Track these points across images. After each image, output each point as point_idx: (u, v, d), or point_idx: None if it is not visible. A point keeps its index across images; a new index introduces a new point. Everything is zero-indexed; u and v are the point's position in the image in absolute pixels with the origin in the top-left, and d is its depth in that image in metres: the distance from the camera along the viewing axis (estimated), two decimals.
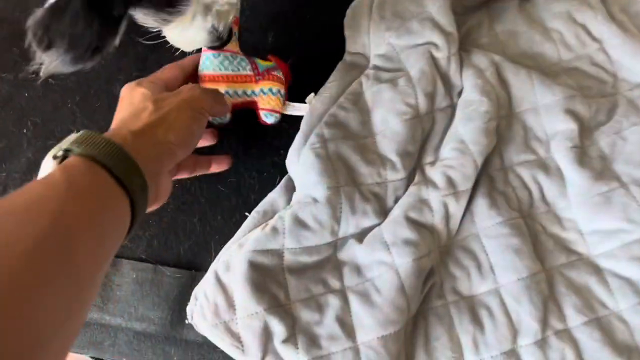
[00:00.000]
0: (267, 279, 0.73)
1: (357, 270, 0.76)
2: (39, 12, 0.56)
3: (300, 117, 0.84)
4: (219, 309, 0.72)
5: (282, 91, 0.82)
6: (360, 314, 0.72)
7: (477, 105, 0.80)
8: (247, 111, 0.84)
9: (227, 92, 0.81)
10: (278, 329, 0.71)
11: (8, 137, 0.88)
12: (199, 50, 0.79)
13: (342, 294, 0.74)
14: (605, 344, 0.70)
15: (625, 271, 0.74)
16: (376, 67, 0.86)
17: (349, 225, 0.76)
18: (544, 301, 0.72)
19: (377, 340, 0.70)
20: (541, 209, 0.79)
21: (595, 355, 0.70)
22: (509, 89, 0.84)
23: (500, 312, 0.73)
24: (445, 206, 0.76)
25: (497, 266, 0.75)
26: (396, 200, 0.79)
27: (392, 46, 0.85)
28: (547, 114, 0.82)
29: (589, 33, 0.87)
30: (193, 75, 0.81)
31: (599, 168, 0.79)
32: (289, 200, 0.80)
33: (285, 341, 0.70)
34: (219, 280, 0.74)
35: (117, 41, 0.60)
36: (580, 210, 0.77)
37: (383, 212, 0.78)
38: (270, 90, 0.81)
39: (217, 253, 0.78)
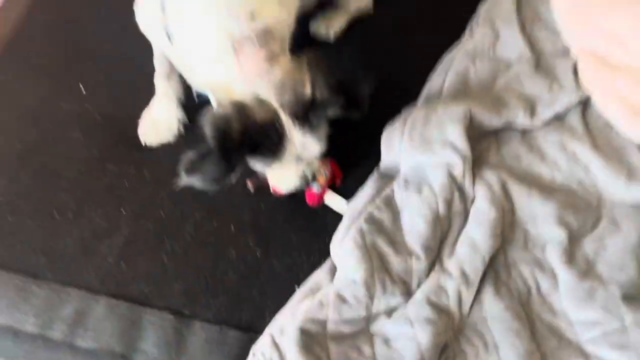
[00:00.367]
0: (314, 344, 0.92)
1: (386, 341, 0.94)
2: (190, 154, 0.86)
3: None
4: None
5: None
6: None
7: (487, 213, 1.01)
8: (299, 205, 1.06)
9: None
10: None
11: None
12: None
13: None
14: None
15: (607, 356, 0.91)
16: (405, 178, 1.08)
17: (380, 303, 0.95)
18: None
19: None
20: (537, 300, 0.97)
21: None
22: (513, 201, 1.05)
23: None
24: (459, 293, 0.95)
25: (500, 345, 0.93)
26: (419, 285, 0.98)
27: (419, 162, 1.08)
28: (543, 223, 1.02)
29: (577, 159, 1.09)
30: None
31: (585, 269, 0.97)
32: (331, 278, 1.00)
33: None
34: (274, 342, 0.93)
35: (235, 175, 0.89)
36: (569, 303, 0.95)
37: (408, 294, 0.97)
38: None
39: (271, 319, 0.97)
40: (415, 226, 1.01)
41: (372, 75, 0.93)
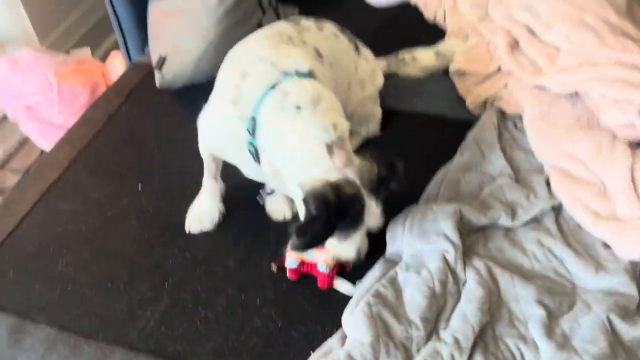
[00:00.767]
0: None
1: None
2: (299, 222, 1.11)
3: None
4: None
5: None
6: None
7: (475, 292, 1.19)
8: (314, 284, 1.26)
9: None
10: None
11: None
12: None
13: None
14: None
15: None
16: (407, 263, 1.28)
17: None
18: None
19: None
20: None
21: None
22: (498, 284, 1.23)
23: None
24: (453, 357, 1.10)
25: None
26: (418, 351, 1.13)
27: (418, 250, 1.29)
28: (524, 303, 1.20)
29: (553, 253, 1.29)
30: None
31: (562, 342, 1.13)
32: (342, 344, 1.15)
33: None
34: None
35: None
36: None
37: (409, 358, 1.12)
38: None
39: None
40: (414, 300, 1.19)
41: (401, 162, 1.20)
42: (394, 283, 1.24)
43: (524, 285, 1.22)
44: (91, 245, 1.40)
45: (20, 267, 1.36)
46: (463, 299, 1.20)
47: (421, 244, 1.29)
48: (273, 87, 1.18)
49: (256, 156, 1.23)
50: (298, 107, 1.16)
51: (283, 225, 1.40)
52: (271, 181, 1.28)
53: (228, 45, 1.37)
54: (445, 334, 1.15)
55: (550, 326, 1.15)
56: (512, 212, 1.36)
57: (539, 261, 1.29)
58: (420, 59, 1.82)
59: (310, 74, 1.23)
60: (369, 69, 1.59)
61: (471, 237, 1.34)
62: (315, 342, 1.19)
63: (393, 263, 1.30)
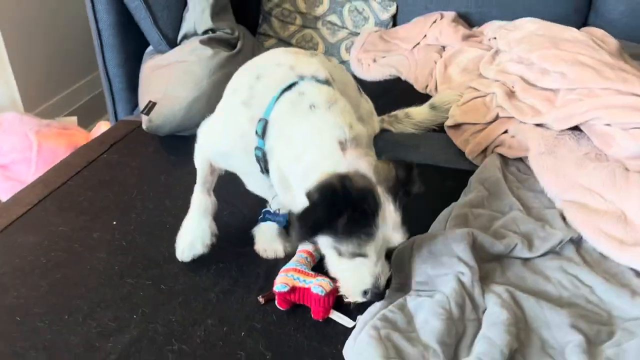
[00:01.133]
0: None
1: None
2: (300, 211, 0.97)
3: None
4: None
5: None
6: None
7: (499, 315, 1.02)
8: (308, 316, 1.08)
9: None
10: None
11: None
12: None
13: None
14: None
15: None
16: (417, 291, 1.11)
17: None
18: None
19: None
20: None
21: None
22: (523, 310, 1.06)
23: None
24: None
25: None
26: None
27: (428, 276, 1.13)
28: (557, 329, 1.02)
29: (580, 280, 1.14)
30: None
31: None
32: None
33: None
34: None
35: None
36: None
37: None
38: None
39: None
40: (429, 324, 1.01)
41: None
42: (403, 309, 1.06)
43: (554, 311, 1.05)
44: (50, 276, 1.21)
45: None
46: (486, 324, 1.02)
47: (432, 268, 1.13)
48: (289, 87, 1.11)
49: (263, 162, 1.12)
50: (312, 106, 1.08)
51: (273, 261, 1.25)
52: (278, 191, 1.15)
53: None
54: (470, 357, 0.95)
55: (591, 352, 0.97)
56: (529, 243, 1.23)
57: (567, 289, 1.13)
58: (414, 115, 1.79)
59: (327, 82, 1.16)
60: (369, 110, 1.54)
61: (486, 266, 1.19)
62: None
63: (401, 291, 1.13)
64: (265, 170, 1.14)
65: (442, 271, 1.12)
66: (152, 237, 1.32)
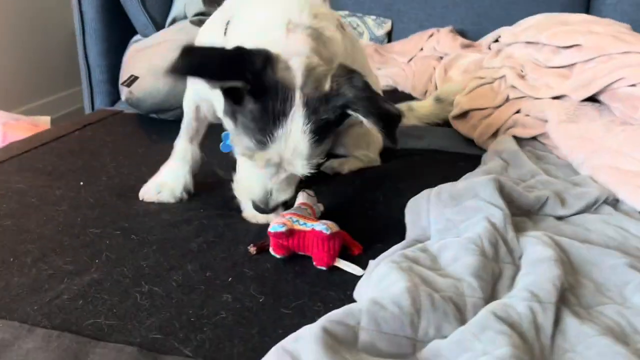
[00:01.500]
0: (342, 348, 0.63)
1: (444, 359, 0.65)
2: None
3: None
4: None
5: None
6: None
7: (541, 251, 0.84)
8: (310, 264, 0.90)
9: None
10: None
11: None
12: None
13: None
14: None
15: None
16: (438, 236, 0.93)
17: (430, 322, 0.70)
18: None
19: None
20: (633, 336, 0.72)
21: None
22: (568, 254, 0.89)
23: None
24: (532, 312, 0.71)
25: None
26: (475, 314, 0.73)
27: (451, 222, 0.95)
28: (611, 271, 0.85)
29: (627, 230, 0.97)
30: None
31: None
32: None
33: None
34: (284, 349, 0.64)
35: None
36: None
37: (463, 321, 0.72)
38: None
39: None
40: (460, 260, 0.82)
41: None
42: (425, 250, 0.88)
43: (605, 253, 0.88)
44: None
45: None
46: (527, 262, 0.84)
47: (455, 214, 0.96)
48: None
49: None
50: None
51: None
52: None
53: None
54: (514, 292, 0.76)
55: None
56: (561, 200, 1.07)
57: (613, 238, 0.95)
58: (418, 108, 1.68)
59: None
60: (376, 80, 1.42)
61: (515, 219, 1.02)
62: (317, 318, 0.77)
63: (417, 243, 0.94)
64: None
65: (467, 215, 0.94)
66: (125, 197, 1.13)
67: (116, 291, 0.82)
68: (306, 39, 0.89)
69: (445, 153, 1.48)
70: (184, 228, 1.02)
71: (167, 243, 0.96)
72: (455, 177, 1.19)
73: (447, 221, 0.95)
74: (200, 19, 1.68)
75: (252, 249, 0.94)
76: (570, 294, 0.80)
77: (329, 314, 0.68)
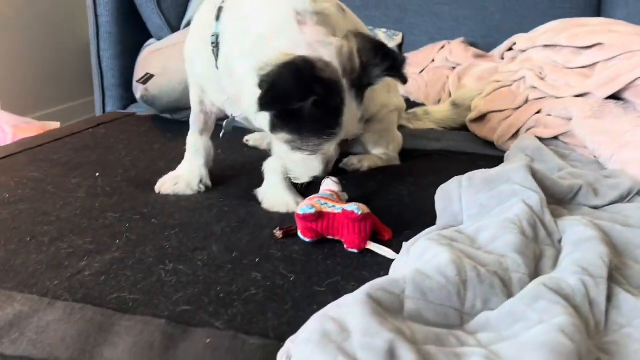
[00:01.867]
0: (387, 314, 0.59)
1: (494, 330, 0.61)
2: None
3: None
4: (329, 334, 0.56)
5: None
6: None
7: (584, 232, 0.81)
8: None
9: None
10: (409, 359, 0.53)
11: None
12: None
13: (484, 349, 0.57)
14: None
15: None
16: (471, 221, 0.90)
17: (477, 295, 0.66)
18: None
19: None
20: None
21: None
22: (609, 237, 0.85)
23: None
24: (585, 286, 0.67)
25: None
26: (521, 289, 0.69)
27: (484, 207, 0.91)
28: None
29: None
30: None
31: None
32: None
33: None
34: (327, 315, 0.59)
35: None
36: None
37: (510, 296, 0.68)
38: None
39: None
40: (500, 239, 0.78)
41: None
42: (461, 232, 0.84)
43: None
44: (13, 208, 0.97)
45: None
46: (570, 243, 0.80)
47: (490, 198, 0.92)
48: None
49: (216, 50, 0.98)
50: None
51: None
52: (227, 87, 0.99)
53: None
54: (562, 267, 0.73)
55: None
56: (594, 190, 1.04)
57: None
58: (434, 112, 1.66)
59: None
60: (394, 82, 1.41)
61: (550, 207, 0.99)
62: None
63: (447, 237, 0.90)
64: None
65: (501, 200, 0.91)
66: (142, 188, 1.09)
67: (139, 268, 0.78)
68: (319, 28, 0.91)
69: (465, 154, 1.45)
70: (205, 214, 0.98)
71: (189, 227, 0.93)
72: None
73: (480, 206, 0.92)
74: None
75: (278, 233, 0.91)
76: (618, 275, 0.76)
77: (371, 282, 0.64)
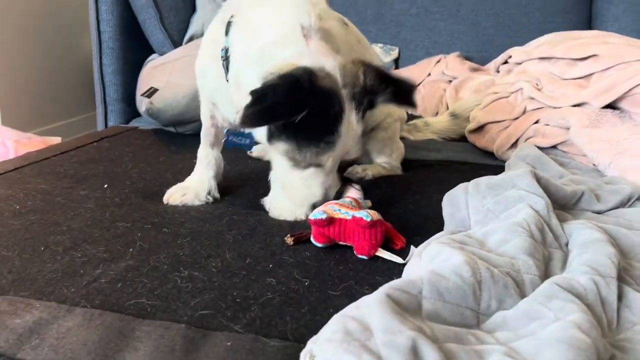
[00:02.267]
0: (407, 314, 0.60)
1: (510, 329, 0.62)
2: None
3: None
4: (351, 332, 0.57)
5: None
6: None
7: (590, 234, 0.83)
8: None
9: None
10: (432, 356, 0.54)
11: None
12: None
13: (503, 347, 0.59)
14: None
15: None
16: (478, 226, 0.91)
17: (492, 296, 0.67)
18: None
19: None
20: None
21: None
22: (615, 240, 0.87)
23: None
24: (596, 285, 0.69)
25: None
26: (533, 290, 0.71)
27: (491, 212, 0.93)
28: None
29: None
30: None
31: None
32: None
33: None
34: (347, 316, 0.60)
35: None
36: None
37: (523, 296, 0.69)
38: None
39: None
40: (509, 242, 0.80)
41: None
42: (470, 236, 0.86)
43: None
44: (24, 219, 0.97)
45: None
46: (576, 246, 0.82)
47: (496, 203, 0.94)
48: None
49: (226, 64, 1.00)
50: None
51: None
52: (235, 99, 0.99)
53: None
54: (572, 268, 0.74)
55: None
56: (596, 196, 1.06)
57: None
58: (434, 123, 1.69)
59: None
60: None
61: (554, 212, 1.00)
62: None
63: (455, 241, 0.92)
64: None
65: (507, 205, 0.93)
66: (151, 199, 1.10)
67: (155, 275, 0.79)
68: (323, 43, 0.95)
69: (465, 163, 1.48)
70: (215, 223, 0.99)
71: (201, 235, 0.93)
72: None
73: (487, 211, 0.93)
74: None
75: (289, 240, 0.92)
76: (626, 276, 0.78)
77: (389, 283, 0.66)
